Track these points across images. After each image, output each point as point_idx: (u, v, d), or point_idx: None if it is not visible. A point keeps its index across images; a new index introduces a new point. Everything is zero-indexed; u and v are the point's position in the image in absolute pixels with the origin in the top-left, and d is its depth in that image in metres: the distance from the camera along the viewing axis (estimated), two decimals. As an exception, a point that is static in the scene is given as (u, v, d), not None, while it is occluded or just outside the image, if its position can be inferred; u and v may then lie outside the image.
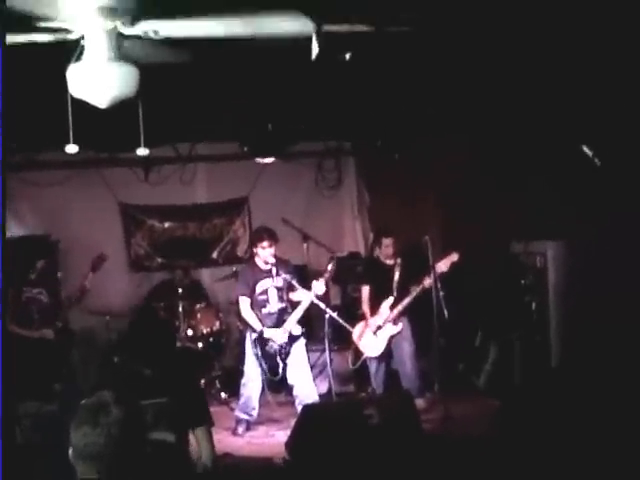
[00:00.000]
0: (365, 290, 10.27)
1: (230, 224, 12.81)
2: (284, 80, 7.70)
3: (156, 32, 4.70)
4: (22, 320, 9.37)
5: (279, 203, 12.25)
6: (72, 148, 6.31)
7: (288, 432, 8.20)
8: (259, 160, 11.28)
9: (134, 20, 4.50)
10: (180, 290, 11.03)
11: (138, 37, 4.75)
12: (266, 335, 9.28)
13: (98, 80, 4.71)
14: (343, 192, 13.25)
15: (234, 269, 11.06)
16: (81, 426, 3.17)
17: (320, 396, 9.60)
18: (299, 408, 9.08)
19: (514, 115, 9.31)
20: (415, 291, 9.76)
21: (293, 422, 8.31)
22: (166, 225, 12.46)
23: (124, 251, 12.24)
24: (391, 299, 9.91)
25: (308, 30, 4.91)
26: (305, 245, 11.57)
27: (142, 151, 7.01)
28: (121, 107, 5.18)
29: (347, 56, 5.41)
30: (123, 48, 4.71)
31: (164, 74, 6.05)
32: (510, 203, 10.33)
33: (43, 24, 4.50)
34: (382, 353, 10.01)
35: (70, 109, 5.43)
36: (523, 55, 7.07)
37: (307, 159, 12.74)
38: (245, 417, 9.48)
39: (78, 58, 4.82)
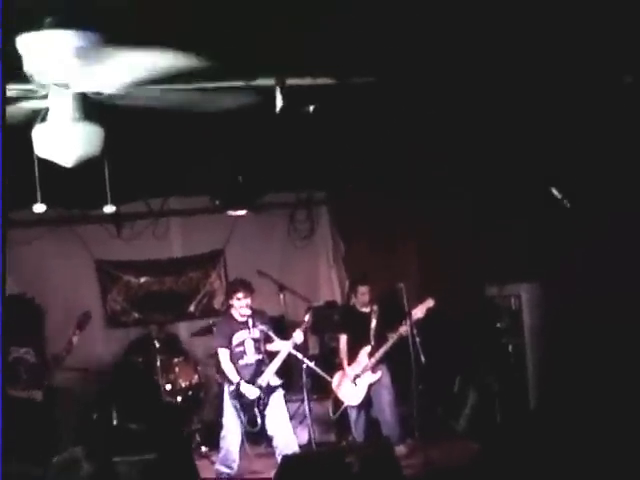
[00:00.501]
0: (343, 339, 10.27)
1: (206, 277, 12.82)
2: (252, 133, 7.75)
3: (122, 97, 4.76)
4: (9, 380, 9.29)
5: (254, 255, 12.26)
6: (40, 207, 6.34)
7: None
8: (231, 213, 11.31)
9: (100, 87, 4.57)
10: (157, 344, 10.99)
11: (103, 99, 4.81)
12: (242, 390, 9.26)
13: (63, 140, 4.76)
14: (317, 242, 13.29)
15: (211, 322, 11.02)
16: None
17: (300, 446, 9.56)
18: (279, 459, 9.04)
19: (486, 160, 9.41)
20: (392, 338, 9.76)
21: (273, 474, 8.27)
22: (142, 280, 12.46)
23: (100, 307, 12.19)
24: (369, 347, 9.93)
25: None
26: (281, 296, 11.57)
27: (109, 208, 7.04)
28: (89, 164, 5.22)
29: (311, 109, 5.48)
30: (87, 109, 4.77)
31: (132, 131, 6.10)
32: (483, 247, 10.40)
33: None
34: (362, 401, 10.00)
35: (37, 169, 5.46)
36: (488, 99, 7.16)
37: (279, 210, 12.81)
38: (226, 470, 9.42)
39: (43, 119, 4.87)
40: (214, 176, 10.02)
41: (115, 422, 10.54)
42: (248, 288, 9.41)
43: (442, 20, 5.17)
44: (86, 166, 5.07)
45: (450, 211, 10.94)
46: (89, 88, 4.66)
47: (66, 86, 4.57)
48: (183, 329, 12.36)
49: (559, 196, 9.02)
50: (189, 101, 5.30)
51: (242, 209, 11.18)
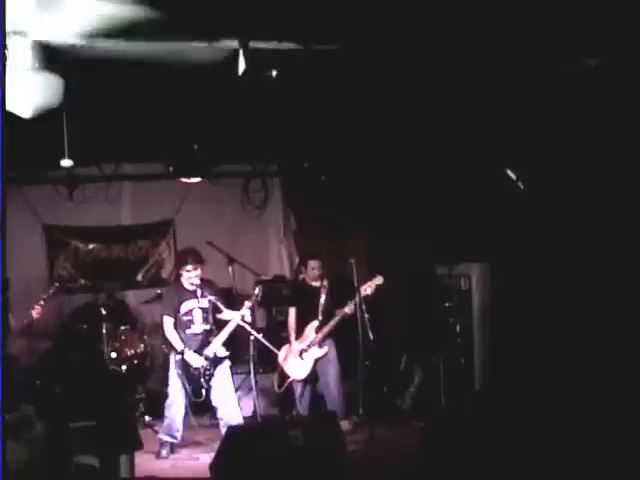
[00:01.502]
0: (292, 313, 10.25)
1: (155, 246, 12.73)
2: (211, 99, 7.67)
3: (82, 46, 4.68)
4: None
5: (205, 225, 12.16)
6: None
7: (212, 455, 8.11)
8: (184, 180, 11.21)
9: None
10: (104, 312, 10.88)
11: (62, 48, 4.72)
12: (186, 357, 9.21)
13: (21, 89, 4.67)
14: (269, 215, 13.22)
15: (158, 291, 10.95)
16: (5, 442, 3.10)
17: (245, 418, 9.56)
18: (223, 430, 9.00)
19: (440, 139, 9.40)
20: (340, 314, 9.77)
21: (217, 445, 8.23)
22: (90, 247, 12.33)
23: (47, 272, 12.05)
24: (316, 322, 9.92)
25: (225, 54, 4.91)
26: (230, 268, 11.51)
27: (66, 162, 6.90)
28: (44, 122, 5.13)
29: (274, 73, 5.41)
30: (46, 58, 4.68)
31: (89, 90, 5.99)
32: (435, 226, 10.42)
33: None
34: (307, 376, 9.99)
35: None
36: (450, 74, 7.14)
37: (233, 180, 12.72)
38: (169, 439, 9.38)
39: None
40: (170, 142, 9.92)
41: (58, 389, 10.42)
42: (198, 259, 9.36)
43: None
44: (42, 120, 4.97)
45: (403, 190, 10.94)
46: (47, 36, 4.57)
47: (24, 34, 4.48)
48: (131, 297, 12.25)
49: (514, 177, 9.05)
50: (152, 57, 5.21)
51: (196, 176, 11.08)
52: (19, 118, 5.06)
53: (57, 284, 10.36)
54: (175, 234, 12.69)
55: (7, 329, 9.71)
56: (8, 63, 4.66)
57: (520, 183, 9.06)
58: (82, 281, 12.23)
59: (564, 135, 8.37)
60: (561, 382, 8.49)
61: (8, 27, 4.21)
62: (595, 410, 7.59)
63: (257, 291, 9.67)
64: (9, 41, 4.53)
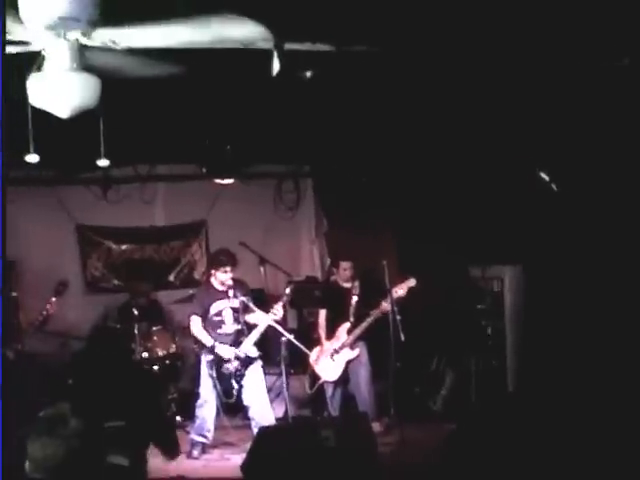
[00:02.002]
0: (322, 314, 10.27)
1: (188, 247, 12.78)
2: (244, 100, 7.69)
3: (114, 42, 4.69)
4: None
5: (237, 226, 12.16)
6: (33, 158, 6.25)
7: (243, 455, 8.12)
8: (217, 181, 11.24)
9: (92, 29, 4.48)
10: (136, 312, 10.93)
11: (99, 48, 4.74)
12: (217, 350, 9.24)
13: (59, 89, 4.70)
14: (301, 216, 13.22)
15: (191, 292, 10.98)
16: (39, 437, 3.13)
17: (276, 419, 9.57)
18: (255, 431, 9.03)
19: (475, 139, 9.37)
20: (372, 315, 9.77)
21: (248, 445, 8.24)
22: (123, 247, 12.42)
23: (80, 272, 12.13)
24: (348, 324, 9.92)
25: (268, 40, 4.89)
26: (262, 268, 11.52)
27: (103, 162, 6.92)
28: (80, 123, 5.16)
29: (308, 74, 5.41)
30: (84, 59, 4.70)
31: (124, 93, 6.02)
32: (468, 227, 10.38)
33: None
34: (339, 378, 10.00)
35: (30, 119, 5.39)
36: (485, 79, 7.12)
37: (266, 180, 12.74)
38: (200, 440, 9.41)
39: (39, 68, 4.80)
40: (203, 143, 9.96)
41: (90, 388, 10.47)
42: (232, 260, 9.40)
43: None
44: (79, 120, 5.00)
45: (436, 191, 10.91)
46: (85, 37, 4.60)
47: (62, 34, 4.50)
48: (163, 298, 12.28)
49: (547, 179, 9.00)
50: (186, 59, 5.23)
51: (228, 177, 11.12)
52: (51, 119, 5.09)
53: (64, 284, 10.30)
54: (207, 235, 12.72)
55: (18, 328, 9.79)
56: (46, 63, 4.71)
57: (553, 185, 9.01)
58: (115, 281, 12.31)
59: (598, 136, 8.32)
60: (593, 385, 8.44)
61: (46, 27, 4.24)
62: (628, 415, 7.53)
63: (288, 291, 9.69)
64: (48, 41, 4.57)
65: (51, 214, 11.63)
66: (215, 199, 12.33)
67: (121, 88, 5.77)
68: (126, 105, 6.94)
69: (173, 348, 11.09)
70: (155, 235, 12.55)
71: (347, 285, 10.13)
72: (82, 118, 5.01)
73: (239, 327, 9.43)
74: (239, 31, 4.80)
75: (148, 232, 12.48)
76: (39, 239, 11.55)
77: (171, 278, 12.71)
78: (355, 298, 9.99)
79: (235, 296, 9.36)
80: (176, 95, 7.36)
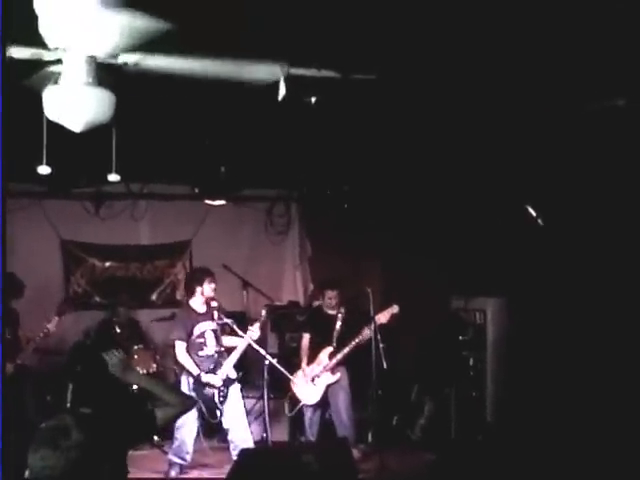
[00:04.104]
0: (305, 338, 10.28)
1: (171, 267, 12.79)
2: (241, 122, 7.73)
3: (136, 64, 4.74)
4: None
5: (222, 248, 12.21)
6: (45, 169, 6.28)
7: (220, 477, 8.13)
8: (208, 202, 11.28)
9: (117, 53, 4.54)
10: (118, 330, 10.92)
11: (114, 66, 4.79)
12: (204, 380, 9.24)
13: (74, 103, 4.73)
14: (286, 241, 13.28)
15: (172, 312, 10.96)
16: (40, 448, 3.14)
17: (255, 443, 9.55)
18: (233, 453, 9.03)
19: (463, 171, 9.46)
20: (354, 341, 9.80)
21: (226, 468, 8.21)
22: (107, 264, 12.40)
23: (62, 288, 12.11)
24: (330, 348, 9.94)
25: (277, 76, 4.96)
26: (244, 292, 11.55)
27: (113, 177, 6.97)
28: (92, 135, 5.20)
29: (313, 100, 5.47)
30: (99, 74, 4.74)
31: (125, 112, 6.06)
32: (453, 259, 10.46)
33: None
34: (318, 401, 9.99)
35: (45, 131, 5.42)
36: (477, 110, 7.20)
37: (255, 203, 12.79)
38: (179, 461, 9.36)
39: (56, 81, 4.84)
40: (196, 164, 9.99)
41: (68, 405, 10.43)
42: (213, 276, 9.46)
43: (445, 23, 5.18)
44: (90, 134, 5.03)
45: (421, 221, 10.99)
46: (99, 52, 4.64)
47: (79, 49, 4.54)
48: (144, 317, 12.26)
49: (534, 214, 9.09)
50: (184, 80, 5.28)
51: (221, 199, 11.17)
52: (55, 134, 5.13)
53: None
54: (192, 255, 12.74)
55: (16, 342, 9.76)
56: (62, 77, 4.74)
57: (539, 220, 9.10)
58: (97, 298, 12.30)
59: (585, 174, 8.42)
60: (575, 418, 8.50)
61: (63, 43, 4.28)
62: (611, 449, 7.60)
63: (264, 313, 9.75)
64: (65, 56, 4.61)
65: (36, 228, 11.61)
66: (202, 220, 12.36)
67: (124, 106, 5.82)
68: (124, 124, 6.97)
69: (154, 367, 11.05)
70: (139, 253, 12.55)
71: (332, 312, 10.15)
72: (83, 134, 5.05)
73: (220, 348, 9.45)
74: (254, 73, 4.87)
75: (133, 250, 12.47)
76: (23, 253, 11.50)
77: (153, 297, 12.69)
78: (339, 324, 10.01)
79: (220, 318, 9.37)
80: (172, 116, 7.40)
